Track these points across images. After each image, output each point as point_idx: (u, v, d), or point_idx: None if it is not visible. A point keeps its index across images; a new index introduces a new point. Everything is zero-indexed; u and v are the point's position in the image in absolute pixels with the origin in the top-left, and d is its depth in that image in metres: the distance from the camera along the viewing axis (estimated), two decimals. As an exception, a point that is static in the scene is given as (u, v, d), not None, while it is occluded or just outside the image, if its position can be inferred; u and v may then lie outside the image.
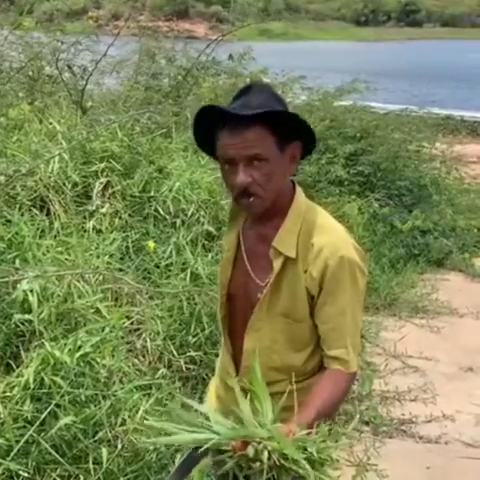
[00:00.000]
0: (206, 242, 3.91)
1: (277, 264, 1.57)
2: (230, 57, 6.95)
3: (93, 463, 2.36)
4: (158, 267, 3.56)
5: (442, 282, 5.38)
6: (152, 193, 3.86)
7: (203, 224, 3.91)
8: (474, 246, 6.18)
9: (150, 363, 3.07)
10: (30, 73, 5.02)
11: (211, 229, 3.95)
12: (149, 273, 3.55)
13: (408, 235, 5.90)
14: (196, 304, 3.35)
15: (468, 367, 4.03)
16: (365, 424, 3.37)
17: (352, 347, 1.57)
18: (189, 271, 3.50)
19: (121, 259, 3.52)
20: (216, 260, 3.81)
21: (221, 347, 1.79)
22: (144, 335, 3.12)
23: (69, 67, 5.12)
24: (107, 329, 2.70)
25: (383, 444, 3.23)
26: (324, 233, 1.57)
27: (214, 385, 1.85)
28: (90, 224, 3.49)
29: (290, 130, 1.56)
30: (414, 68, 24.42)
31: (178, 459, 2.58)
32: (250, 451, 1.33)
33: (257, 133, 1.51)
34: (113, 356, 2.71)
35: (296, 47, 29.98)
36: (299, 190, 1.65)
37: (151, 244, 3.39)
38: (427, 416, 3.48)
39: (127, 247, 3.57)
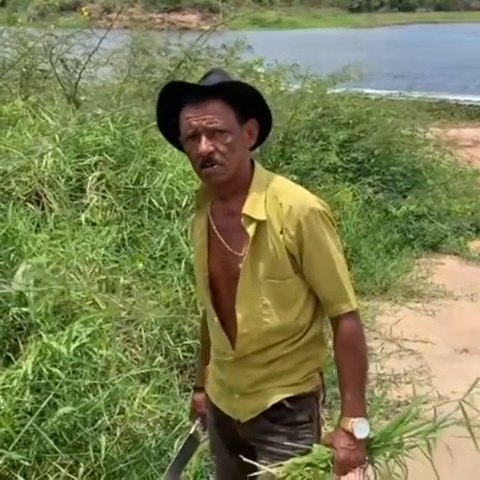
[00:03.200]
0: (201, 232, 3.95)
1: (251, 229, 1.62)
2: (224, 47, 6.92)
3: (93, 451, 2.41)
4: (154, 258, 3.60)
5: (437, 266, 5.42)
6: (145, 185, 3.89)
7: (197, 215, 3.94)
8: (469, 230, 6.22)
9: (147, 352, 3.12)
10: (23, 69, 5.03)
11: (205, 219, 3.98)
12: (145, 264, 3.58)
13: (403, 220, 5.94)
14: (192, 294, 3.40)
15: (463, 348, 4.08)
16: (362, 407, 3.41)
17: (347, 285, 1.66)
18: (184, 261, 3.54)
19: (117, 251, 3.56)
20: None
21: (211, 332, 1.82)
22: (141, 325, 3.17)
23: (62, 61, 5.13)
24: (102, 320, 2.74)
25: (380, 426, 3.27)
26: (289, 193, 1.65)
27: (211, 373, 1.88)
28: (84, 217, 3.52)
29: (247, 107, 1.63)
30: (408, 53, 24.39)
31: (177, 445, 2.64)
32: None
33: (218, 105, 1.58)
34: (110, 346, 2.76)
35: (290, 35, 29.91)
36: (257, 164, 1.71)
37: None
38: (423, 398, 3.52)
39: (122, 239, 3.61)
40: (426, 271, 5.26)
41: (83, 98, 5.23)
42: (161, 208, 3.86)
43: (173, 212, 3.87)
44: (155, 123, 4.39)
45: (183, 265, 3.53)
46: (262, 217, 1.61)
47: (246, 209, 1.63)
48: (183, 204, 3.89)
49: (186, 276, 3.53)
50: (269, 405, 1.72)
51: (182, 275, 3.51)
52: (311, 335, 1.71)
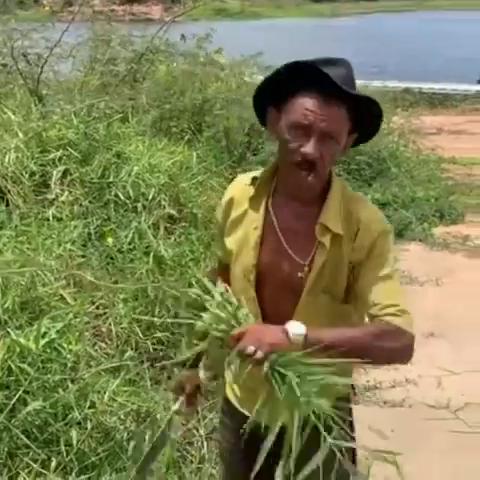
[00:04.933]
0: (168, 225, 3.96)
1: (326, 241, 1.53)
2: (182, 38, 6.91)
3: (64, 445, 2.41)
4: (121, 252, 3.59)
5: (402, 252, 5.49)
6: (111, 179, 3.88)
7: (164, 207, 3.95)
8: (433, 216, 6.30)
9: (117, 346, 3.12)
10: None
11: (173, 212, 3.99)
12: (112, 258, 3.58)
13: (368, 208, 5.99)
14: (160, 286, 3.40)
15: (429, 333, 4.15)
16: (331, 393, 3.47)
17: (407, 310, 1.51)
18: (152, 254, 3.54)
19: (83, 246, 3.54)
20: (179, 242, 3.86)
21: None
22: (110, 319, 3.17)
23: (24, 56, 5.06)
24: (71, 315, 2.73)
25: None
26: (366, 208, 1.57)
27: (234, 379, 1.76)
28: (50, 212, 3.50)
29: (360, 121, 1.53)
30: (370, 42, 24.57)
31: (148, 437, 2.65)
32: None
33: (343, 113, 1.48)
34: (79, 341, 2.76)
35: (253, 26, 29.89)
36: (333, 171, 1.62)
37: (109, 240, 3.42)
38: (391, 382, 3.59)
39: (89, 233, 3.60)
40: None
41: (45, 92, 5.18)
42: (127, 201, 3.85)
43: (140, 205, 3.86)
44: (118, 116, 4.44)
45: (151, 258, 3.53)
46: (339, 231, 1.54)
47: (323, 218, 1.54)
48: (150, 197, 3.90)
49: (155, 269, 3.54)
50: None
51: (151, 268, 3.51)
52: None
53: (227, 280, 1.72)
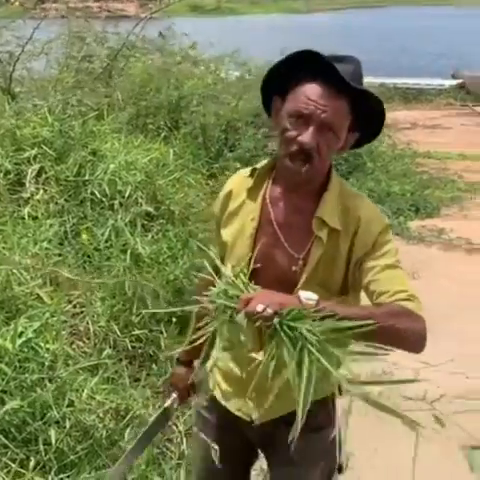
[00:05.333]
0: (145, 222, 3.95)
1: (323, 235, 1.53)
2: (160, 35, 6.89)
3: (43, 444, 2.40)
4: (98, 250, 3.58)
5: (379, 246, 5.55)
6: (87, 177, 3.86)
7: (141, 205, 3.94)
8: (409, 210, 6.37)
9: (95, 345, 3.11)
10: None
11: (150, 209, 3.98)
12: (89, 257, 3.57)
13: (345, 203, 6.04)
14: (138, 283, 3.40)
15: (406, 325, 4.19)
16: (309, 387, 3.49)
17: (417, 296, 1.52)
18: (129, 252, 3.53)
19: (60, 244, 3.53)
20: (156, 240, 3.86)
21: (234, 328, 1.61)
22: (87, 318, 3.16)
23: (-5, 54, 5.02)
24: (48, 314, 2.72)
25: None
26: (365, 206, 1.57)
27: (220, 371, 1.76)
28: (25, 211, 3.48)
29: (361, 119, 1.52)
30: (343, 38, 24.67)
31: (128, 434, 2.66)
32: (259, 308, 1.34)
33: (344, 107, 1.46)
34: (56, 340, 2.74)
35: (229, 22, 29.85)
36: (332, 167, 1.62)
37: (84, 236, 3.40)
38: (367, 374, 3.62)
39: (65, 232, 3.58)
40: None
41: (19, 90, 5.14)
42: (104, 199, 3.83)
43: (116, 203, 3.85)
44: (94, 113, 4.41)
45: (128, 255, 3.53)
46: (337, 226, 1.53)
47: (321, 213, 1.53)
48: (126, 194, 3.88)
49: (132, 266, 3.53)
50: (290, 410, 1.57)
51: (128, 265, 3.51)
52: None
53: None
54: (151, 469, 2.55)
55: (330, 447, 1.69)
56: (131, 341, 3.20)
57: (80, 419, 2.56)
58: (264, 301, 1.35)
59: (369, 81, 14.88)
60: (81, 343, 3.06)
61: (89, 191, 3.83)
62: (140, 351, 3.24)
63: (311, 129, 1.44)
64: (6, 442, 2.34)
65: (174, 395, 1.95)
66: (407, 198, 6.54)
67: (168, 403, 1.95)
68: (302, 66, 1.47)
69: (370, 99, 1.48)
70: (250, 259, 1.58)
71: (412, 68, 17.66)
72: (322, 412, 1.68)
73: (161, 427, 2.05)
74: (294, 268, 1.55)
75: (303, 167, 1.47)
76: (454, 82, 15.78)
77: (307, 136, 1.44)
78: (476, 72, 15.86)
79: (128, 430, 2.67)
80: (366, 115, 1.51)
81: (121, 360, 3.13)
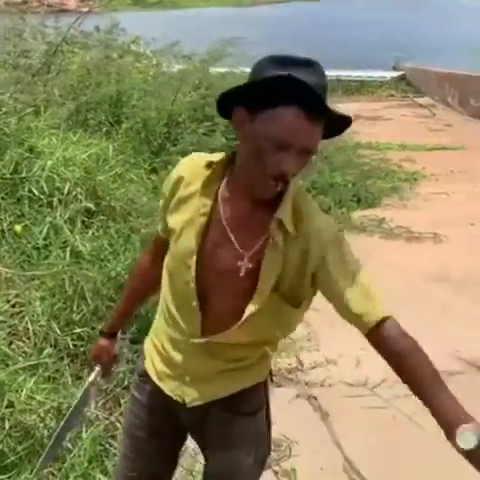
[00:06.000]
0: (86, 219, 3.90)
1: (279, 239, 1.52)
2: (97, 29, 6.80)
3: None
4: (36, 248, 3.53)
5: (322, 237, 5.63)
6: (24, 174, 3.79)
7: (81, 201, 3.89)
8: (351, 200, 6.48)
9: (35, 344, 3.07)
10: None
11: (90, 205, 3.94)
12: (28, 255, 3.51)
13: (288, 195, 6.10)
14: (78, 281, 3.37)
15: (347, 313, 4.28)
16: (254, 378, 3.53)
17: (378, 296, 1.56)
18: (69, 249, 3.49)
19: (-4, 243, 3.46)
20: (97, 236, 3.82)
21: (175, 311, 1.67)
22: (27, 318, 3.11)
23: None
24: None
25: (272, 394, 3.39)
26: (316, 214, 1.56)
27: (156, 351, 1.76)
28: (-40, 211, 3.40)
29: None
30: (287, 30, 24.79)
31: (70, 433, 2.63)
32: None
33: (321, 130, 1.44)
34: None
35: (172, 16, 29.63)
36: None
37: (17, 228, 3.35)
38: (312, 363, 3.70)
39: (2, 231, 3.51)
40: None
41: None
42: (42, 197, 3.77)
43: (55, 200, 3.79)
44: (30, 109, 4.33)
45: (68, 253, 3.49)
46: (293, 231, 1.53)
47: (280, 214, 1.51)
48: (65, 191, 3.83)
49: (72, 264, 3.49)
50: (224, 394, 1.69)
51: (68, 263, 3.47)
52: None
53: (159, 253, 1.77)
54: (94, 466, 2.54)
55: (263, 432, 1.78)
56: (72, 339, 3.16)
57: (20, 419, 2.53)
58: None
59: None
60: (21, 343, 3.02)
61: (26, 189, 3.76)
62: (82, 349, 3.21)
63: (293, 156, 1.42)
64: None
65: (97, 368, 1.96)
66: (349, 189, 6.65)
67: (92, 377, 1.95)
68: (275, 84, 1.41)
69: (343, 120, 1.48)
70: (196, 253, 1.58)
71: (354, 60, 17.89)
72: (255, 397, 1.74)
73: (88, 402, 2.05)
74: (239, 263, 1.56)
75: (277, 187, 1.47)
76: (395, 74, 16.11)
77: (290, 165, 1.42)
78: (416, 64, 16.22)
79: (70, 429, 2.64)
80: (331, 125, 1.49)
81: (62, 359, 3.09)
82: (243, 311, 1.57)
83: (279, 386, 3.48)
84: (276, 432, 3.00)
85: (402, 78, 15.88)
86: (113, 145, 4.87)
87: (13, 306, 3.11)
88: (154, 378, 1.76)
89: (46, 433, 2.59)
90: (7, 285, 3.20)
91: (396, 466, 2.85)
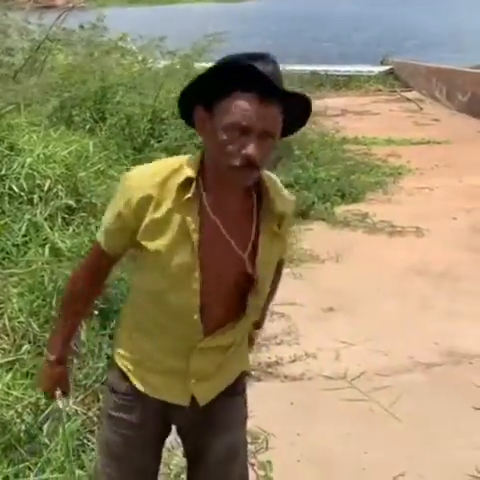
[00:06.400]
0: (66, 216, 3.92)
1: (275, 228, 1.65)
2: (81, 27, 6.80)
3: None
4: (16, 245, 3.54)
5: (306, 232, 5.66)
6: (4, 171, 3.80)
7: (61, 198, 3.91)
8: (335, 195, 6.50)
9: (15, 341, 3.09)
10: None
11: (70, 202, 3.96)
12: (7, 253, 3.52)
13: (272, 191, 6.12)
14: (58, 278, 3.38)
15: (328, 307, 4.32)
16: (234, 372, 3.56)
17: None
18: (48, 246, 3.51)
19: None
20: (77, 233, 3.84)
21: (168, 322, 1.66)
22: (5, 315, 3.13)
23: None
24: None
25: (251, 387, 3.43)
26: (283, 190, 1.70)
27: (146, 367, 1.73)
28: None
29: (288, 113, 1.52)
30: (274, 25, 24.78)
31: (46, 428, 2.66)
32: None
33: (279, 112, 1.48)
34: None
35: (160, 11, 29.56)
36: None
37: None
38: (291, 356, 3.72)
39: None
40: (295, 237, 5.48)
41: None
42: (22, 194, 3.79)
43: (35, 197, 3.81)
44: (10, 107, 4.34)
45: (47, 250, 3.50)
46: (276, 229, 1.65)
47: (278, 207, 1.62)
48: (45, 188, 3.84)
49: (52, 261, 3.50)
50: (230, 382, 1.77)
51: (47, 260, 3.48)
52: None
53: (103, 273, 1.75)
54: (70, 460, 2.55)
55: (247, 406, 1.91)
56: (52, 336, 3.18)
57: (-3, 415, 2.55)
58: None
59: (301, 68, 15.16)
60: (-1, 340, 3.03)
61: (6, 186, 3.77)
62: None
63: (253, 140, 1.44)
64: None
65: (58, 393, 1.85)
66: (333, 184, 6.68)
67: (61, 405, 1.90)
68: (227, 75, 1.45)
69: (297, 97, 1.51)
70: (198, 266, 1.58)
71: (343, 56, 17.93)
72: (243, 377, 1.85)
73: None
74: (247, 266, 1.63)
75: (250, 176, 1.50)
76: (383, 68, 16.14)
77: (251, 149, 1.44)
78: (404, 58, 16.26)
79: (47, 423, 2.67)
80: (293, 109, 1.52)
81: (41, 355, 3.11)
82: (244, 301, 1.66)
83: (259, 380, 3.51)
84: (253, 425, 3.08)
85: (390, 72, 15.92)
86: (96, 141, 4.89)
87: (-9, 302, 3.12)
88: (149, 393, 1.73)
89: (23, 428, 2.61)
90: (-14, 282, 3.21)
91: (372, 456, 2.89)
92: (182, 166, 1.57)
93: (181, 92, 1.54)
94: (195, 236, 1.56)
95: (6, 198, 3.76)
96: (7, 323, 3.06)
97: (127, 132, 6.13)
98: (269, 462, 2.81)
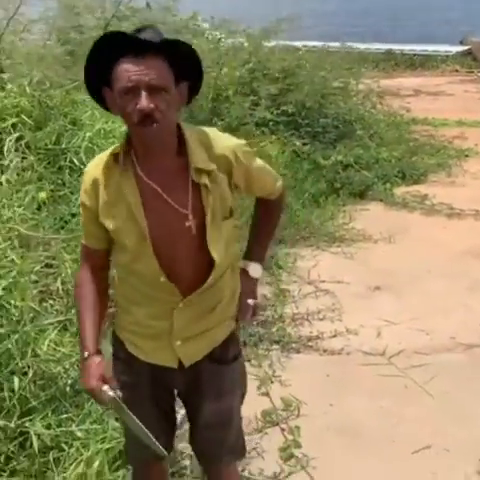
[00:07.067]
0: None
1: (205, 181, 1.68)
2: (147, 6, 6.95)
3: (8, 392, 2.60)
4: (74, 215, 3.76)
5: (361, 212, 5.66)
6: (65, 145, 4.02)
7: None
8: (395, 176, 6.44)
9: (67, 303, 3.30)
10: None
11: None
12: (65, 222, 3.74)
13: (330, 170, 6.15)
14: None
15: (376, 286, 4.35)
16: (275, 343, 3.67)
17: (271, 170, 1.95)
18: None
19: (38, 209, 3.71)
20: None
21: (145, 290, 1.79)
22: (59, 278, 3.34)
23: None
24: (14, 273, 2.90)
25: (289, 359, 3.55)
26: (218, 135, 1.76)
27: (136, 332, 1.87)
28: (3, 178, 3.65)
29: (182, 68, 1.64)
30: (350, 3, 24.30)
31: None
32: None
33: (160, 63, 1.58)
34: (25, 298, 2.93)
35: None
36: (182, 122, 1.73)
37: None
38: (332, 332, 3.79)
39: (42, 198, 3.75)
40: (349, 217, 5.50)
41: (9, 62, 5.26)
42: (82, 167, 3.99)
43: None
44: (76, 83, 4.55)
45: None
46: (211, 167, 1.69)
47: (194, 162, 1.67)
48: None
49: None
50: (215, 345, 1.86)
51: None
52: (233, 265, 1.89)
53: (98, 267, 1.87)
54: (108, 413, 2.73)
55: (243, 373, 2.00)
56: (102, 300, 3.38)
57: (45, 369, 2.76)
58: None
59: (376, 48, 14.90)
60: (52, 301, 3.25)
61: (67, 159, 3.99)
62: (111, 310, 3.41)
63: (143, 94, 1.56)
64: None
65: (105, 388, 1.76)
66: (394, 164, 6.61)
67: (115, 394, 1.77)
68: (112, 50, 1.57)
69: (180, 46, 1.61)
70: (147, 230, 1.69)
71: (421, 34, 17.45)
72: (233, 345, 1.92)
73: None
74: (187, 224, 1.70)
75: (153, 130, 1.59)
76: (461, 49, 15.62)
77: (142, 101, 1.56)
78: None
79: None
80: (185, 63, 1.64)
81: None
82: (208, 255, 1.74)
83: (298, 352, 3.61)
84: (287, 393, 3.19)
85: (469, 53, 15.39)
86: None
87: (47, 267, 3.34)
88: (141, 357, 1.87)
89: (69, 382, 2.81)
90: (44, 248, 3.44)
91: (401, 430, 2.95)
92: (117, 147, 1.73)
93: (85, 82, 1.68)
94: (135, 202, 1.68)
95: (67, 171, 3.98)
96: (60, 286, 3.27)
97: (188, 111, 6.27)
98: (297, 427, 2.91)
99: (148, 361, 1.87)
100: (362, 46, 13.42)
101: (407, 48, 15.54)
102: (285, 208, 2.06)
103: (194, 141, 1.69)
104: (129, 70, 1.56)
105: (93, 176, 1.73)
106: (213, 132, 1.77)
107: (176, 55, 1.61)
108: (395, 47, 15.53)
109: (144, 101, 1.56)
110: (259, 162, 1.86)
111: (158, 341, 1.83)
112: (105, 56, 1.59)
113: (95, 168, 1.75)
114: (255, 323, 3.75)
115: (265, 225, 2.01)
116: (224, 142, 1.74)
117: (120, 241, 1.75)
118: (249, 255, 2.01)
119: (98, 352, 1.83)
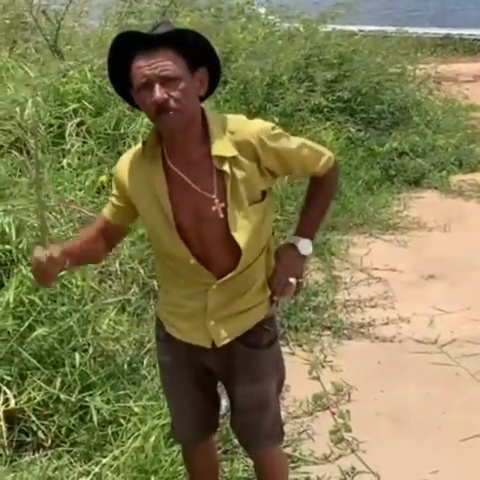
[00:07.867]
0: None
1: (227, 168, 1.71)
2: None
3: (69, 367, 2.72)
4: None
5: (416, 200, 5.61)
6: (124, 130, 4.12)
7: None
8: (452, 164, 6.33)
9: (124, 284, 3.41)
10: (7, 21, 5.20)
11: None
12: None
13: (385, 157, 6.10)
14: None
15: (429, 275, 4.32)
16: (327, 329, 3.71)
17: (318, 147, 1.91)
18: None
19: (97, 193, 3.82)
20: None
21: (179, 274, 1.85)
22: (118, 260, 3.45)
23: (44, 13, 5.28)
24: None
25: (341, 345, 3.58)
26: (242, 121, 1.77)
27: (172, 313, 1.93)
28: (65, 162, 3.78)
29: (197, 55, 1.69)
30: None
31: (146, 361, 2.97)
32: None
33: (169, 53, 1.64)
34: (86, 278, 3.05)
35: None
36: (208, 110, 1.79)
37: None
38: (384, 319, 3.80)
39: (102, 182, 3.86)
40: (404, 205, 5.46)
41: (69, 47, 5.40)
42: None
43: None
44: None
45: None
46: (233, 153, 1.71)
47: (215, 151, 1.71)
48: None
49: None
50: (248, 327, 1.88)
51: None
52: (267, 249, 1.91)
53: (104, 234, 1.91)
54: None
55: (280, 359, 2.01)
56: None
57: (104, 347, 2.87)
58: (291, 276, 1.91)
59: (434, 32, 14.57)
60: (111, 282, 3.37)
61: (126, 144, 4.09)
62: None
63: (156, 87, 1.63)
64: (37, 364, 2.67)
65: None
66: (451, 152, 6.50)
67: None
68: (126, 51, 1.64)
69: (187, 35, 1.65)
70: (173, 217, 1.74)
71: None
72: (268, 330, 1.94)
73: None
74: (214, 208, 1.75)
75: (171, 120, 1.65)
76: (525, 32, 15.13)
77: (157, 94, 1.62)
78: None
79: (147, 358, 2.98)
80: (196, 48, 1.67)
81: (148, 298, 3.42)
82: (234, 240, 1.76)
83: (349, 339, 3.63)
84: (338, 378, 3.22)
85: None
86: (211, 104, 5.10)
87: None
88: (178, 336, 1.93)
89: (127, 360, 2.93)
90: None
91: (448, 418, 2.95)
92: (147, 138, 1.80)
93: (112, 85, 1.78)
94: (160, 189, 1.74)
95: (125, 155, 4.08)
96: (118, 268, 3.38)
97: (243, 97, 6.29)
98: (348, 412, 2.95)
99: (184, 340, 1.92)
100: (420, 30, 13.19)
101: (466, 32, 15.16)
102: (336, 184, 2.01)
103: (218, 129, 1.73)
104: (141, 66, 1.63)
105: (126, 167, 1.81)
106: (238, 118, 1.79)
107: (186, 44, 1.66)
108: (454, 32, 15.17)
109: (157, 93, 1.62)
110: (295, 142, 1.83)
111: (193, 321, 1.88)
112: (121, 58, 1.66)
113: (126, 160, 1.83)
114: (307, 308, 3.79)
115: (315, 201, 1.97)
116: (248, 128, 1.75)
117: (149, 224, 1.84)
118: (299, 231, 1.97)
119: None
